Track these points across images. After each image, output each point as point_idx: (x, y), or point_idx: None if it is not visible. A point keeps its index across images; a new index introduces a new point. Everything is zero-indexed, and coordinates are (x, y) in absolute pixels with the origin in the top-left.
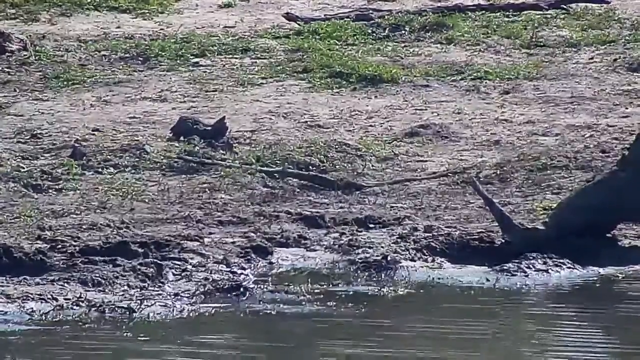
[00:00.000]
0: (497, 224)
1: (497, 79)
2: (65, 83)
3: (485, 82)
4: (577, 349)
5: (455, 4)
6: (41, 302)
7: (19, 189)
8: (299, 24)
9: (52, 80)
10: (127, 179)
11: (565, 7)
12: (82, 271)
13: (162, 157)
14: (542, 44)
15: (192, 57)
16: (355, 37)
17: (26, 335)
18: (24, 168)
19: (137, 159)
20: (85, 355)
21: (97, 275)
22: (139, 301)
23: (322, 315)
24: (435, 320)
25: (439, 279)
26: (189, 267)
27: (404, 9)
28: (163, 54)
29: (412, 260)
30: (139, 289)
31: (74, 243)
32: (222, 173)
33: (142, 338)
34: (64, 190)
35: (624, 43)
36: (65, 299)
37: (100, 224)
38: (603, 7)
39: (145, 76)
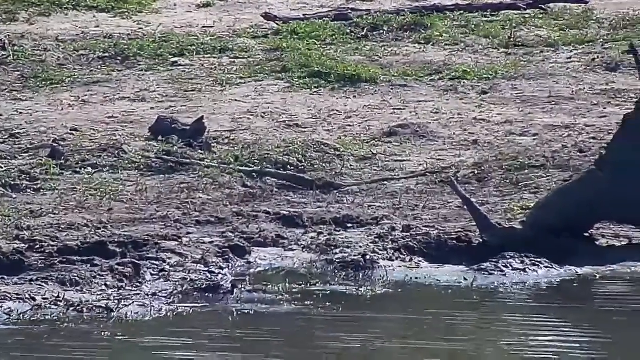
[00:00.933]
0: (475, 224)
1: (475, 78)
2: (43, 83)
3: (463, 82)
4: (553, 348)
5: (434, 4)
6: (19, 302)
7: None
8: (277, 24)
9: (31, 80)
10: (105, 178)
11: (543, 7)
12: (60, 271)
13: (140, 157)
14: (520, 43)
15: (170, 56)
16: (333, 37)
17: (3, 335)
18: (2, 168)
19: (115, 159)
20: (63, 354)
21: (75, 275)
22: (116, 301)
23: (300, 314)
24: (411, 319)
25: (416, 278)
26: (167, 267)
27: (382, 9)
28: (141, 53)
29: (390, 259)
30: (116, 289)
31: (52, 243)
32: (201, 173)
33: (120, 337)
34: (42, 190)
35: (602, 43)
36: (43, 299)
37: (78, 224)
38: (581, 7)
39: (123, 76)
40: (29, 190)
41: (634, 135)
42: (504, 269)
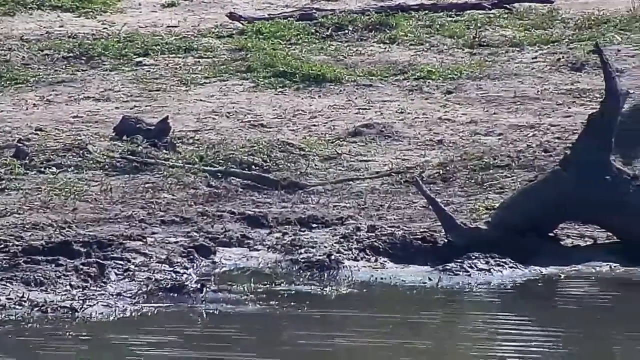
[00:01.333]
0: (440, 224)
1: (440, 78)
2: (8, 82)
3: (428, 82)
4: (518, 348)
5: (398, 4)
6: None
7: None
8: (242, 24)
9: None
10: (69, 178)
11: (508, 6)
12: (25, 271)
13: (105, 157)
14: (485, 43)
15: (135, 56)
16: (298, 37)
17: None
18: None
19: (80, 159)
20: (27, 355)
21: (40, 275)
22: (81, 301)
23: (265, 314)
24: (376, 319)
25: (381, 278)
26: (132, 266)
27: (347, 9)
28: (106, 53)
29: (355, 260)
30: (81, 289)
31: (17, 243)
32: (165, 173)
33: (84, 338)
34: (6, 190)
35: (567, 43)
36: (7, 299)
37: (43, 224)
38: (546, 7)
39: (88, 75)
40: None
41: (598, 135)
42: (469, 269)
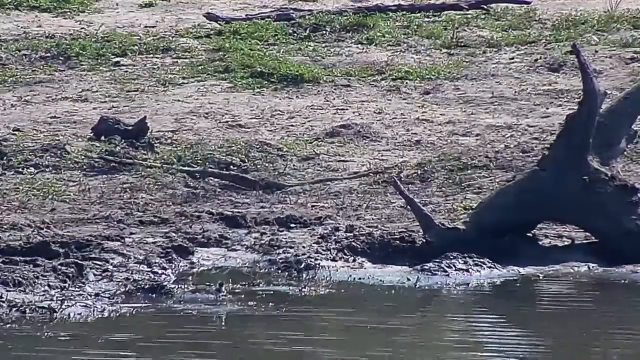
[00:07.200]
0: (418, 224)
1: (418, 79)
2: None
3: (406, 82)
4: (496, 347)
5: (376, 4)
6: None
7: None
8: (219, 24)
9: None
10: (48, 179)
11: (485, 7)
12: (3, 271)
13: (83, 157)
14: (462, 44)
15: (113, 56)
16: (276, 37)
17: None
18: None
19: (58, 159)
20: (5, 355)
21: (18, 275)
22: (59, 301)
23: (243, 314)
24: (353, 319)
25: (360, 278)
26: (110, 267)
27: (325, 9)
28: (84, 53)
29: (334, 260)
30: (59, 289)
31: None
32: (143, 173)
33: (63, 338)
34: None
35: (544, 43)
36: None
37: (21, 224)
38: (524, 8)
39: (66, 76)
40: None
41: (576, 135)
42: (447, 269)
